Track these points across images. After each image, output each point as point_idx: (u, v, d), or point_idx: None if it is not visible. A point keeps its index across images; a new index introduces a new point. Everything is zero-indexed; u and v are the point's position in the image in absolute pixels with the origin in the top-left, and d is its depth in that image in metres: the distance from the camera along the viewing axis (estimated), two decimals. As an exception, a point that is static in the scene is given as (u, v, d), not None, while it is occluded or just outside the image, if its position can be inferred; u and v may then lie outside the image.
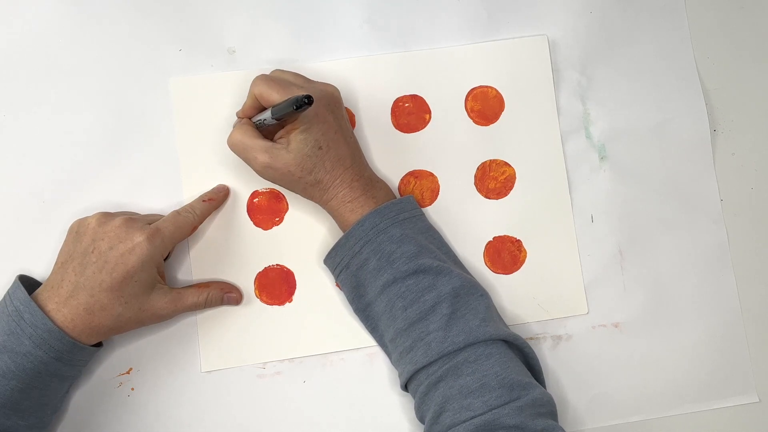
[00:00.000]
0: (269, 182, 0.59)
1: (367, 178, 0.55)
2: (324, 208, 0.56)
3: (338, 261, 0.55)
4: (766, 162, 0.63)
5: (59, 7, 0.59)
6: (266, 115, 0.53)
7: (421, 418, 0.53)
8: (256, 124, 0.55)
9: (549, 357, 0.59)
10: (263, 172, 0.54)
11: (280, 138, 0.54)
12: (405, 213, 0.54)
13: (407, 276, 0.52)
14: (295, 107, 0.49)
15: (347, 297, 0.56)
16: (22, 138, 0.58)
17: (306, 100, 0.49)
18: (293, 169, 0.53)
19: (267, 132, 0.55)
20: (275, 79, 0.54)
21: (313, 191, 0.54)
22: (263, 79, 0.54)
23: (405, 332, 0.52)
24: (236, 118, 0.58)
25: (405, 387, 0.54)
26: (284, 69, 0.57)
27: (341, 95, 0.57)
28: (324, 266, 0.58)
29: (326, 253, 0.56)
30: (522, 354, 0.53)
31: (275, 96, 0.52)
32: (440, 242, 0.56)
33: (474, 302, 0.52)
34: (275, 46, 0.60)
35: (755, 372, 0.60)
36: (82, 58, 0.59)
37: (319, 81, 0.56)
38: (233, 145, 0.54)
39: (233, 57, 0.60)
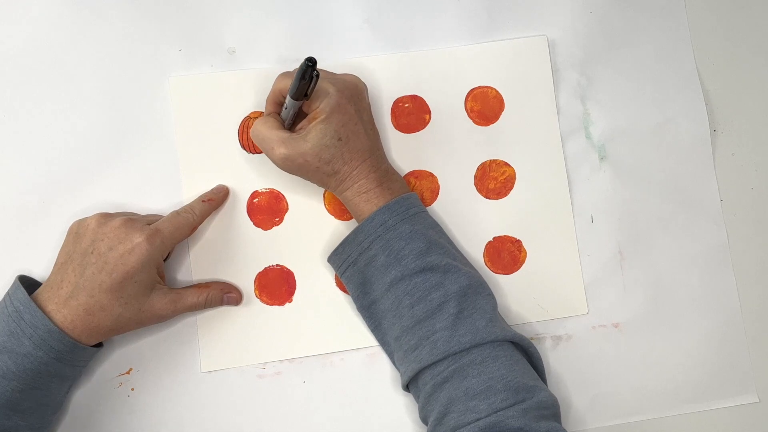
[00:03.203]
0: (270, 183, 0.59)
1: (383, 170, 0.55)
2: (339, 197, 0.56)
3: (345, 257, 0.55)
4: (766, 162, 0.63)
5: (59, 7, 0.59)
6: (287, 100, 0.53)
7: (424, 418, 0.52)
8: (283, 117, 0.55)
9: (549, 357, 0.59)
10: (282, 164, 0.54)
11: (300, 129, 0.54)
12: (414, 208, 0.54)
13: (415, 273, 0.52)
14: (302, 74, 0.49)
15: (352, 294, 0.56)
16: (22, 138, 0.58)
17: (309, 63, 0.48)
18: (311, 159, 0.53)
19: (293, 125, 0.56)
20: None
21: (329, 181, 0.54)
22: (285, 73, 0.55)
23: (411, 330, 0.52)
24: (229, 119, 0.59)
25: (407, 387, 0.54)
26: (285, 69, 0.57)
27: (366, 86, 0.57)
28: (326, 264, 0.58)
29: (328, 251, 0.56)
30: (527, 354, 0.53)
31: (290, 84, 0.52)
32: (448, 238, 0.56)
33: (481, 302, 0.52)
34: (275, 46, 0.60)
35: (755, 372, 0.60)
36: (82, 57, 0.59)
37: (342, 73, 0.57)
38: (254, 137, 0.55)
39: (233, 57, 0.60)
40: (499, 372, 0.49)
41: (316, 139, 0.52)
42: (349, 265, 0.54)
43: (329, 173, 0.53)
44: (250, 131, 0.56)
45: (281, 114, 0.56)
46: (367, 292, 0.54)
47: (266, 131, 0.54)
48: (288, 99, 0.53)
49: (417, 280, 0.52)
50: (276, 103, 0.56)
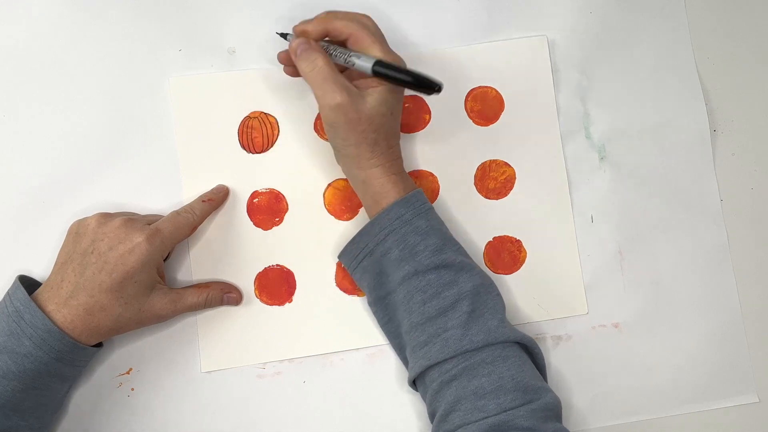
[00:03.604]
0: (270, 183, 0.59)
1: (402, 161, 0.56)
2: (360, 173, 0.53)
3: (362, 247, 0.54)
4: (766, 162, 0.63)
5: (59, 7, 0.59)
6: (360, 60, 0.51)
7: (431, 414, 0.52)
8: (331, 54, 0.53)
9: (549, 357, 0.59)
10: (330, 113, 0.51)
11: (358, 85, 0.53)
12: (427, 204, 0.54)
13: (429, 270, 0.51)
14: (422, 87, 0.50)
15: (368, 285, 0.55)
16: (22, 138, 0.58)
17: (436, 88, 0.49)
18: (363, 118, 0.51)
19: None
20: (373, 30, 0.53)
21: (363, 150, 0.52)
22: (360, 23, 0.52)
23: (420, 327, 0.51)
24: (229, 119, 0.58)
25: (413, 383, 0.54)
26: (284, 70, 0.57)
27: None
28: (326, 264, 0.58)
29: (328, 251, 0.56)
30: (530, 355, 0.53)
31: (375, 51, 0.51)
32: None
33: (492, 301, 0.52)
34: (275, 46, 0.60)
35: (755, 372, 0.60)
36: (82, 58, 0.59)
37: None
38: (311, 71, 0.51)
39: (233, 57, 0.60)
40: (509, 372, 0.49)
41: (375, 102, 0.51)
42: (366, 254, 0.54)
43: (370, 141, 0.52)
44: (305, 62, 0.51)
45: (330, 50, 0.53)
46: (383, 283, 0.54)
47: (330, 72, 0.50)
48: (364, 63, 0.50)
49: (431, 277, 0.51)
50: (319, 36, 0.53)
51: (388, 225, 0.53)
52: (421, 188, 0.56)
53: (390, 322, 0.55)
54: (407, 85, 0.51)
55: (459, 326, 0.50)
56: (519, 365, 0.50)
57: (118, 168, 0.58)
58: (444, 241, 0.53)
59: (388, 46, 0.53)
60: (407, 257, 0.52)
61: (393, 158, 0.54)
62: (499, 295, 0.53)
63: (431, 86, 0.50)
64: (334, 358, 0.58)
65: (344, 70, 0.54)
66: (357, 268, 0.55)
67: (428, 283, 0.51)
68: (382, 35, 0.54)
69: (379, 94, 0.52)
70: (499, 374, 0.49)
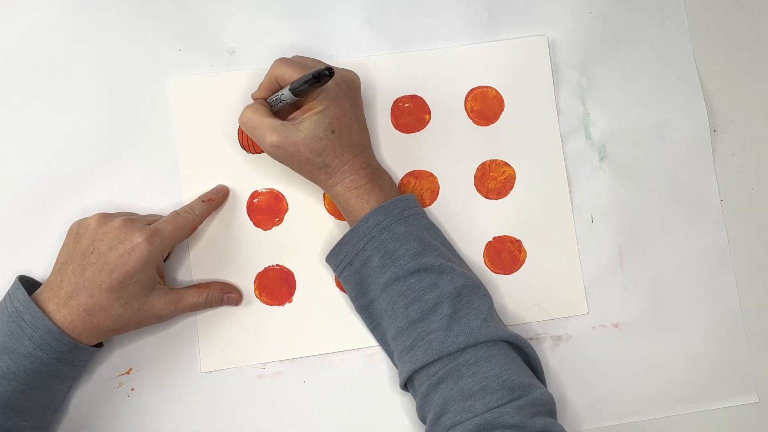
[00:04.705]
0: (270, 183, 0.59)
1: (373, 168, 0.55)
2: (328, 192, 0.56)
3: (341, 258, 0.55)
4: (766, 162, 0.63)
5: (59, 7, 0.59)
6: (284, 92, 0.53)
7: (422, 417, 0.53)
8: (272, 103, 0.55)
9: (549, 357, 0.59)
10: (272, 151, 0.54)
11: (293, 118, 0.54)
12: (409, 210, 0.54)
13: (410, 274, 0.52)
14: (314, 79, 0.49)
15: (350, 294, 0.56)
16: (22, 138, 0.58)
17: (327, 72, 0.49)
18: (302, 149, 0.53)
19: (282, 113, 0.56)
20: (296, 61, 0.55)
21: (319, 174, 0.54)
22: (284, 60, 0.55)
23: (406, 331, 0.52)
24: (229, 119, 0.59)
25: (404, 386, 0.54)
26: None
27: (361, 83, 0.57)
28: (325, 264, 0.58)
29: (328, 251, 0.56)
30: (523, 354, 0.53)
31: (295, 76, 0.52)
32: (443, 240, 0.56)
33: (476, 302, 0.52)
34: (275, 46, 0.60)
35: (755, 372, 0.60)
36: (82, 58, 0.59)
37: (340, 67, 0.56)
38: (243, 124, 0.55)
39: (233, 57, 0.60)
40: (493, 371, 0.49)
41: (309, 129, 0.52)
42: (346, 265, 0.54)
43: (319, 165, 0.53)
44: (239, 118, 0.55)
45: (270, 99, 0.56)
46: (365, 293, 0.54)
47: (257, 119, 0.53)
48: (286, 91, 0.53)
49: (411, 281, 0.52)
50: (269, 89, 0.56)
51: (367, 233, 0.53)
52: (397, 189, 0.56)
53: (376, 329, 0.56)
54: (312, 84, 0.50)
55: (441, 329, 0.50)
56: (504, 363, 0.50)
57: (118, 168, 0.58)
58: (423, 246, 0.53)
59: (308, 68, 0.53)
60: (387, 263, 0.52)
61: (354, 172, 0.54)
62: (485, 295, 0.53)
63: (321, 73, 0.49)
64: (334, 358, 0.58)
65: (299, 108, 0.55)
66: (339, 277, 0.56)
67: (409, 287, 0.51)
68: (303, 59, 0.56)
69: (309, 118, 0.52)
70: (484, 374, 0.49)
